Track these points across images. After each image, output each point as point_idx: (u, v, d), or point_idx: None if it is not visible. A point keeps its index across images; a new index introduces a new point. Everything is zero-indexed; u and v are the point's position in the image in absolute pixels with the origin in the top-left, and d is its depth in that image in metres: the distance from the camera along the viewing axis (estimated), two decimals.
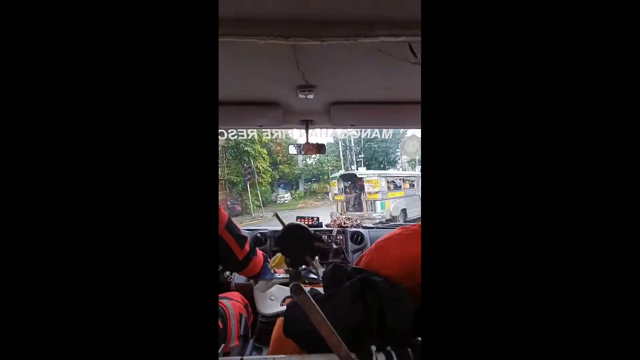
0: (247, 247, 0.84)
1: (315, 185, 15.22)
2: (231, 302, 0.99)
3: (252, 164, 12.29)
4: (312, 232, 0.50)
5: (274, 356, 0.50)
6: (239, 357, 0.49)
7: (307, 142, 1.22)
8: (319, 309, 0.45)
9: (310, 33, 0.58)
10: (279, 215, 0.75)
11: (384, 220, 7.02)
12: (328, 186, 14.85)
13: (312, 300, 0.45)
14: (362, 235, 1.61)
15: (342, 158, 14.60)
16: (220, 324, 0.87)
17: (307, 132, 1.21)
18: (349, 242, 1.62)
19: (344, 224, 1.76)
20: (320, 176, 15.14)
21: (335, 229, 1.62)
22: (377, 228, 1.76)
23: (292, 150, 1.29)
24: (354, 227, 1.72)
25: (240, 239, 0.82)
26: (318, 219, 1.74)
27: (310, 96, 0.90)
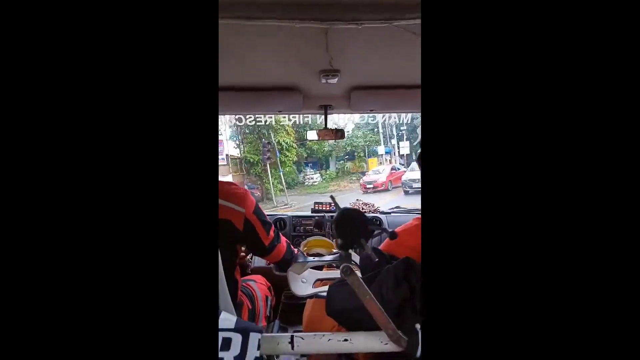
0: (272, 233, 0.91)
1: (348, 165, 14.05)
2: (257, 285, 1.08)
3: (273, 139, 9.65)
4: (366, 215, 0.57)
5: (323, 333, 0.54)
6: (290, 334, 0.53)
7: (326, 128, 1.26)
8: (367, 288, 0.50)
9: (347, 16, 0.61)
10: (334, 198, 0.83)
11: None
12: (365, 165, 12.40)
13: (362, 281, 0.50)
14: (380, 220, 1.67)
15: (380, 132, 13.27)
16: (249, 304, 0.97)
17: (325, 117, 1.25)
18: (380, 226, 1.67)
19: (362, 209, 1.84)
20: (355, 153, 13.79)
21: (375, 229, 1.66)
22: (394, 213, 1.79)
23: (312, 135, 1.34)
24: (372, 212, 1.79)
25: (266, 224, 0.89)
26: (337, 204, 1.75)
27: (333, 81, 0.93)
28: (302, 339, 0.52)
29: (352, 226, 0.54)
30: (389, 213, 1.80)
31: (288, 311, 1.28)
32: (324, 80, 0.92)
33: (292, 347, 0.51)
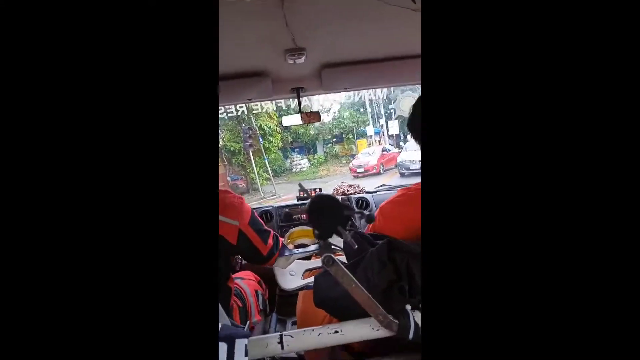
0: (270, 241, 0.89)
1: (337, 147, 13.65)
2: (245, 282, 1.09)
3: (254, 124, 8.82)
4: (341, 200, 0.54)
5: (312, 328, 0.52)
6: (279, 334, 0.52)
7: (301, 111, 1.23)
8: (352, 276, 0.49)
9: None
10: (303, 186, 0.85)
11: None
12: (354, 147, 11.84)
13: (345, 269, 0.49)
14: (366, 200, 1.69)
15: (368, 112, 13.05)
16: (239, 302, 0.97)
17: (299, 100, 1.21)
18: (355, 209, 1.71)
19: (347, 191, 1.86)
20: (343, 135, 13.48)
21: (340, 198, 1.66)
22: (380, 191, 1.81)
23: (287, 121, 1.35)
24: (357, 193, 1.81)
25: (263, 233, 0.87)
26: (320, 189, 1.92)
27: (300, 60, 0.89)
28: (292, 337, 0.51)
29: (327, 214, 0.52)
30: (375, 192, 1.81)
31: (285, 303, 1.28)
32: (290, 61, 0.89)
33: (282, 347, 0.50)
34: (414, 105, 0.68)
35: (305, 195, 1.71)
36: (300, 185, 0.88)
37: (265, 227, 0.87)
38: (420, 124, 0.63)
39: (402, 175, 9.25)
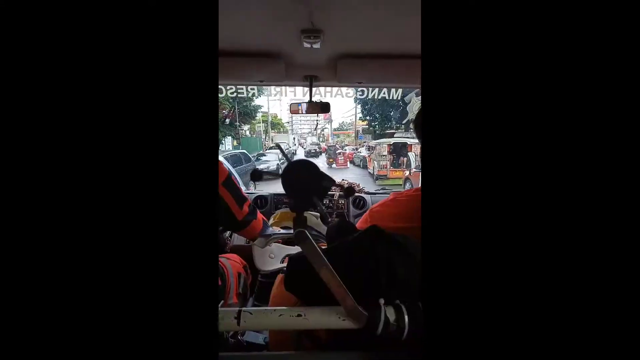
0: (246, 208, 0.89)
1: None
2: (230, 262, 1.08)
3: None
4: (321, 170, 0.49)
5: (274, 308, 0.50)
6: (237, 309, 0.50)
7: (311, 101, 1.20)
8: (324, 257, 0.46)
9: None
10: (281, 147, 0.74)
11: None
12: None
13: (318, 248, 0.45)
14: (364, 199, 1.71)
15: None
16: (220, 280, 0.96)
17: (310, 89, 1.18)
18: (351, 207, 1.72)
19: None
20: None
21: (337, 193, 1.71)
22: (379, 193, 1.86)
23: (293, 108, 1.30)
24: (356, 192, 1.81)
25: (240, 199, 0.86)
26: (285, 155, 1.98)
27: (316, 45, 0.86)
28: (251, 314, 0.48)
29: (303, 181, 0.47)
30: (374, 194, 1.82)
31: (263, 289, 1.24)
32: (307, 45, 0.86)
33: (238, 323, 0.47)
34: (420, 109, 0.67)
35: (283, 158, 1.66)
36: (277, 145, 0.78)
37: (243, 194, 0.86)
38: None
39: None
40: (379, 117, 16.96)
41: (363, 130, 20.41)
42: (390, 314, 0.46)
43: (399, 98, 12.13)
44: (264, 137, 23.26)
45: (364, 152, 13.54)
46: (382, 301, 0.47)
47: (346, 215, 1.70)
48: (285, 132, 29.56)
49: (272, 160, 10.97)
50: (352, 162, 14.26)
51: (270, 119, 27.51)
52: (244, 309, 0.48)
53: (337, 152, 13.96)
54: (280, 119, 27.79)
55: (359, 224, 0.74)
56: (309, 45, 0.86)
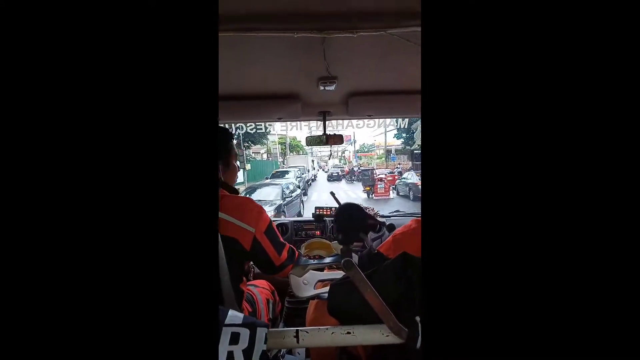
0: (285, 254, 0.93)
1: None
2: (258, 289, 1.13)
3: None
4: (366, 212, 0.61)
5: (327, 327, 0.55)
6: (295, 329, 0.55)
7: (325, 134, 1.32)
8: (368, 282, 0.52)
9: (343, 25, 0.65)
10: (334, 194, 0.98)
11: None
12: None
13: (363, 275, 0.52)
14: (379, 224, 1.72)
15: None
16: (249, 307, 1.01)
17: (324, 123, 1.31)
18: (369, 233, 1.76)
19: None
20: None
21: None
22: (394, 217, 1.90)
23: (309, 141, 1.42)
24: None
25: (279, 245, 0.91)
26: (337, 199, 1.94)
27: (331, 88, 0.98)
28: (307, 332, 0.54)
29: (352, 220, 0.58)
30: (389, 217, 1.89)
31: (291, 315, 1.32)
32: (322, 88, 0.98)
33: (298, 341, 0.54)
34: None
35: (329, 212, 1.76)
36: (331, 193, 0.94)
37: (282, 240, 0.92)
38: None
39: None
40: (415, 136, 14.92)
41: (396, 150, 18.25)
42: None
43: (405, 127, 12.36)
44: (280, 160, 21.55)
45: (413, 177, 10.51)
46: (418, 319, 0.53)
47: (364, 240, 1.54)
48: (305, 154, 28.42)
49: (291, 178, 11.00)
50: (394, 189, 11.39)
51: (288, 141, 26.05)
52: (300, 328, 0.55)
53: (373, 176, 11.34)
54: (299, 141, 26.32)
55: (383, 249, 0.79)
56: (323, 88, 0.98)
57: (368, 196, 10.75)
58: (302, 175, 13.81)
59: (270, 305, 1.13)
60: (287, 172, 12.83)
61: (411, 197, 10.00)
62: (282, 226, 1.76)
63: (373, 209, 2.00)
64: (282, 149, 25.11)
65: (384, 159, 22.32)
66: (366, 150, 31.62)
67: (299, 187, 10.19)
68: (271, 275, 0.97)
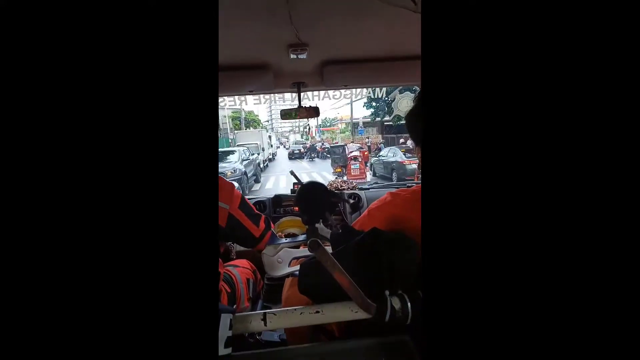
0: (262, 224, 0.93)
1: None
2: (237, 269, 1.12)
3: None
4: (328, 187, 0.57)
5: (295, 307, 0.55)
6: (263, 312, 0.55)
7: (300, 106, 1.25)
8: (335, 261, 0.50)
9: None
10: (295, 173, 0.92)
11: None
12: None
13: (330, 255, 0.50)
14: (358, 196, 1.71)
15: None
16: (228, 288, 1.00)
17: (299, 95, 1.24)
18: (347, 207, 1.74)
19: (341, 187, 1.89)
20: None
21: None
22: (373, 189, 1.87)
23: (284, 115, 1.30)
24: (350, 189, 1.84)
25: (255, 217, 0.91)
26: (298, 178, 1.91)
27: (303, 56, 0.92)
28: (275, 315, 0.54)
29: (314, 200, 0.56)
30: (368, 189, 1.86)
31: (271, 292, 1.33)
32: (293, 56, 0.91)
33: (265, 324, 0.53)
34: (415, 105, 0.70)
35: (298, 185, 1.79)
36: (291, 172, 0.93)
37: (256, 211, 0.92)
38: (415, 124, 0.67)
39: None
40: (385, 107, 13.73)
41: (364, 123, 17.14)
42: (395, 303, 0.53)
43: (384, 96, 11.81)
44: (232, 137, 18.56)
45: (397, 155, 8.73)
46: (387, 292, 0.54)
47: (344, 215, 1.68)
48: (261, 129, 23.66)
49: (235, 161, 9.06)
50: (371, 167, 9.93)
51: (244, 115, 23.93)
52: (268, 311, 0.54)
53: (344, 153, 9.76)
54: (257, 116, 24.27)
55: (359, 223, 0.77)
56: (295, 57, 0.92)
57: (340, 177, 8.55)
58: (252, 157, 10.84)
59: (251, 285, 1.14)
60: (230, 153, 9.57)
61: (394, 179, 8.31)
62: (260, 204, 1.72)
63: (352, 182, 1.97)
64: (235, 125, 22.50)
65: (348, 132, 20.87)
66: (328, 124, 30.39)
67: (246, 174, 8.64)
68: (254, 247, 0.97)
